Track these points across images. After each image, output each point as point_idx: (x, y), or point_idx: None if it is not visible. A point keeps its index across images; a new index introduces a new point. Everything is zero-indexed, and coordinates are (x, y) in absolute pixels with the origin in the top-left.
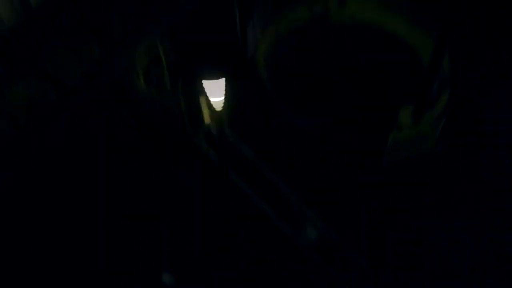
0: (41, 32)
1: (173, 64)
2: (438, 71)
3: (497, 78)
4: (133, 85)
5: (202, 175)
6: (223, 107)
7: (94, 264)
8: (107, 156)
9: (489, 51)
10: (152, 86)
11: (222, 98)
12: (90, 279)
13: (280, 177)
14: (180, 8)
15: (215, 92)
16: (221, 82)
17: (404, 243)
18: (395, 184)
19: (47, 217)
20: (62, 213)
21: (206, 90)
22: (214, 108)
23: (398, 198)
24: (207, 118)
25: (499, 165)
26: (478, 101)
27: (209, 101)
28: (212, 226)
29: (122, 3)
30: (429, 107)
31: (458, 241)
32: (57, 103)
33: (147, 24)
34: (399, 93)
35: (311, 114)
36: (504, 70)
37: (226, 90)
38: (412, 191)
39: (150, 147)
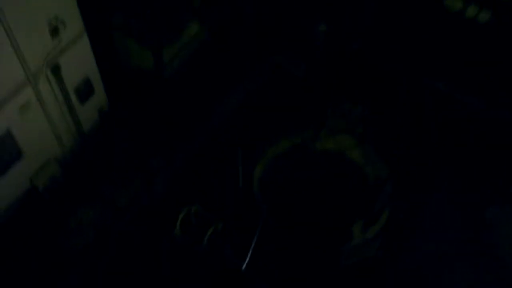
0: (101, 168)
1: (201, 219)
2: (381, 195)
3: (425, 201)
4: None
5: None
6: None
7: None
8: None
9: (421, 181)
10: (186, 234)
11: None
12: None
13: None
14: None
15: None
16: None
17: None
18: (348, 281)
19: None
20: None
21: None
22: None
23: None
24: None
25: (424, 270)
26: (411, 219)
27: None
28: None
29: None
30: (373, 222)
31: None
32: (113, 222)
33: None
34: (353, 211)
35: (292, 228)
36: (431, 194)
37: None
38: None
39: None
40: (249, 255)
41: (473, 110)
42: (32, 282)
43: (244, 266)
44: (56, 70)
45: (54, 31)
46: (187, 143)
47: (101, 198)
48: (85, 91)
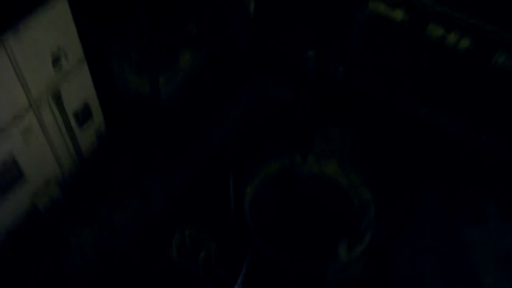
0: (99, 189)
1: (195, 241)
2: (365, 217)
3: (407, 222)
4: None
5: None
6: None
7: None
8: None
9: (403, 203)
10: (181, 255)
11: None
12: None
13: None
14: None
15: None
16: None
17: None
18: None
19: None
20: None
21: None
22: None
23: None
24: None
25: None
26: (394, 239)
27: None
28: None
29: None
30: (358, 242)
31: None
32: (111, 241)
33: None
34: (339, 231)
35: (282, 249)
36: (412, 216)
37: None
38: None
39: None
40: (241, 276)
41: (452, 135)
42: None
43: (237, 287)
44: (57, 96)
45: (56, 60)
46: (181, 165)
47: (99, 218)
48: (83, 115)
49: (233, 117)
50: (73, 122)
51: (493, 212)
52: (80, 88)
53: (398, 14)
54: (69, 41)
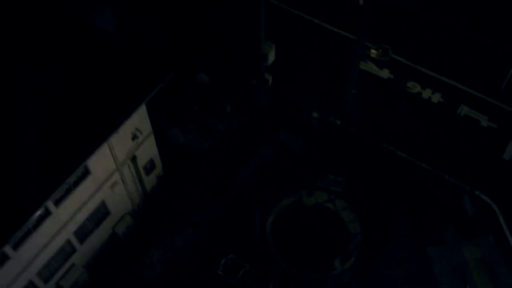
0: (162, 221)
1: (235, 263)
2: (354, 239)
3: (384, 243)
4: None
5: None
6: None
7: None
8: None
9: (382, 229)
10: (225, 273)
11: None
12: None
13: None
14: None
15: None
16: None
17: None
18: None
19: None
20: None
21: None
22: None
23: None
24: None
25: None
26: (375, 256)
27: None
28: None
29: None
30: (348, 259)
31: None
32: (173, 260)
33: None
34: (334, 249)
35: (294, 262)
36: (388, 238)
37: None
38: None
39: None
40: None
41: (421, 173)
42: None
43: None
44: (133, 159)
45: (134, 137)
46: (219, 201)
47: (164, 243)
48: (150, 167)
49: (256, 162)
50: (142, 173)
51: (449, 234)
52: (148, 151)
53: (385, 73)
54: (143, 123)
